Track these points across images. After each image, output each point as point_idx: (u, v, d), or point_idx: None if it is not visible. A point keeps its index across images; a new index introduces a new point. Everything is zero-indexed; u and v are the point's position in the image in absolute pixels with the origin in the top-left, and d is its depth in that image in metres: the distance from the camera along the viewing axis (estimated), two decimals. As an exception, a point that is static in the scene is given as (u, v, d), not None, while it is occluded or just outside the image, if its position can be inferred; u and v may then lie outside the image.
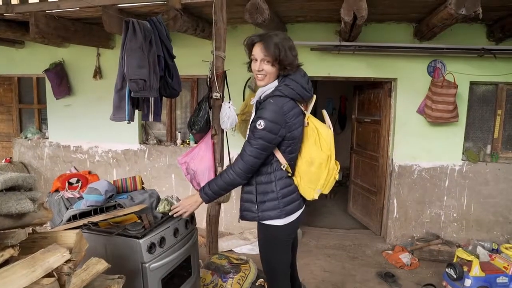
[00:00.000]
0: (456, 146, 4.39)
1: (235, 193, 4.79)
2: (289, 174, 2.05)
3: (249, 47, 2.11)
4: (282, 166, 2.01)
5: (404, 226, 4.56)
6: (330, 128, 2.09)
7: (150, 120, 3.13)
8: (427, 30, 3.86)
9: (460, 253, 3.49)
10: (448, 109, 4.08)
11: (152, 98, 3.07)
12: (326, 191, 2.07)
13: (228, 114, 3.18)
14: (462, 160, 4.42)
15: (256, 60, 2.02)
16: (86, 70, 5.15)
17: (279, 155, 2.00)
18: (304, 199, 2.14)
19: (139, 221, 2.20)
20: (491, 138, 4.51)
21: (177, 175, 5.03)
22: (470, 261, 3.36)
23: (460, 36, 4.19)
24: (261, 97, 2.05)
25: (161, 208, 2.42)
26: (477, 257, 3.57)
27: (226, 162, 3.46)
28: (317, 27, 4.43)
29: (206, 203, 2.19)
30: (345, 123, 8.08)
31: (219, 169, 3.24)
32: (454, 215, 4.49)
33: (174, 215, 2.24)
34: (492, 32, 4.13)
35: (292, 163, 2.06)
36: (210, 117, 3.32)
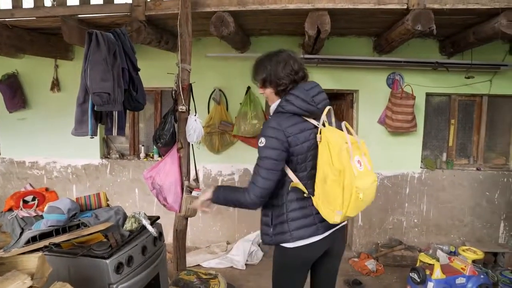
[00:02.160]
0: (415, 154, 4.59)
1: (202, 206, 4.72)
2: (305, 195, 1.88)
3: None
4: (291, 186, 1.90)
5: (369, 233, 4.69)
6: (347, 140, 1.80)
7: (114, 134, 3.03)
8: (386, 44, 4.03)
9: (423, 258, 3.62)
10: (407, 119, 4.27)
11: (116, 112, 2.98)
12: (351, 214, 1.77)
13: (195, 127, 3.16)
14: (421, 168, 4.62)
15: None
16: (43, 82, 4.92)
17: (290, 174, 1.89)
18: (329, 223, 1.88)
19: (105, 240, 2.12)
20: (446, 146, 4.75)
21: (141, 190, 4.89)
22: (432, 265, 3.49)
23: (416, 50, 4.42)
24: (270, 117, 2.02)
25: (128, 225, 2.34)
26: (438, 260, 3.71)
27: (192, 176, 3.42)
28: (281, 40, 4.51)
29: (212, 201, 2.05)
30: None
31: (186, 183, 3.19)
32: (415, 220, 4.67)
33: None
34: (444, 47, 4.38)
35: (309, 183, 1.90)
36: (176, 130, 3.28)
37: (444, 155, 4.73)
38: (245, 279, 3.97)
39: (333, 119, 1.95)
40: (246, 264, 4.27)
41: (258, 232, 4.68)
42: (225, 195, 1.97)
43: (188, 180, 3.29)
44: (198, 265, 4.26)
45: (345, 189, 1.72)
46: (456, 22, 3.70)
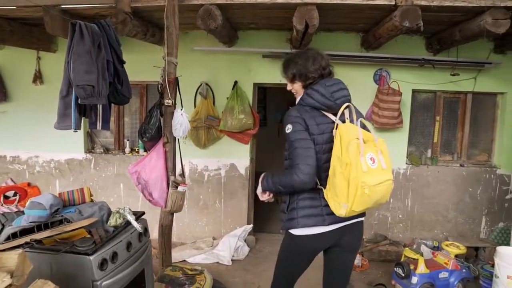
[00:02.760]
0: (401, 150, 4.64)
1: (187, 202, 4.70)
2: (318, 186, 1.97)
3: None
4: None
5: (354, 228, 4.71)
6: (359, 135, 1.87)
7: (98, 128, 2.97)
8: (373, 40, 4.04)
9: (407, 253, 3.66)
10: (393, 115, 4.30)
11: (101, 105, 2.92)
12: (356, 208, 1.82)
13: (181, 121, 3.12)
14: (406, 164, 4.67)
15: None
16: (24, 74, 4.80)
17: None
18: (340, 217, 1.94)
19: (88, 236, 2.07)
20: (431, 142, 4.81)
21: (126, 185, 4.82)
22: (416, 260, 3.54)
23: (402, 47, 4.44)
24: None
25: (112, 221, 2.30)
26: (422, 255, 3.76)
27: (178, 171, 3.38)
28: (269, 35, 4.49)
29: (263, 190, 2.15)
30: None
31: (172, 178, 3.15)
32: (400, 216, 4.72)
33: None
34: (431, 44, 4.42)
35: (323, 175, 1.98)
36: (162, 125, 3.23)
37: (429, 151, 4.79)
38: (231, 274, 3.96)
39: (354, 116, 2.02)
40: (232, 260, 4.26)
41: (244, 227, 4.67)
42: (274, 182, 2.03)
43: (174, 175, 3.25)
44: (184, 260, 4.23)
45: (350, 183, 1.79)
46: (442, 20, 3.73)
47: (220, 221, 4.78)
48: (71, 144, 4.80)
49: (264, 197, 2.17)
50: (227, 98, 4.50)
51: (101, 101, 2.68)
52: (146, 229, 2.55)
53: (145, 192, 3.19)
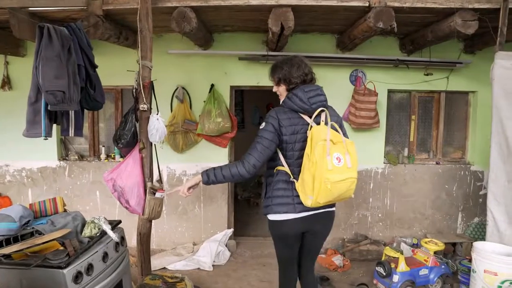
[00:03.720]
0: (378, 150, 4.69)
1: (166, 208, 4.61)
2: (291, 179, 2.26)
3: None
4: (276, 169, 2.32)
5: (335, 229, 4.67)
6: (326, 137, 2.12)
7: (70, 135, 2.87)
8: (348, 41, 4.07)
9: (388, 251, 3.70)
10: (370, 115, 4.34)
11: (73, 111, 2.83)
12: (320, 200, 2.11)
13: (157, 126, 3.05)
14: (384, 163, 4.73)
15: None
16: (-8, 80, 4.61)
17: (281, 159, 2.28)
18: (290, 211, 2.29)
19: (62, 248, 1.98)
20: (407, 141, 4.89)
21: (102, 192, 4.69)
22: (397, 258, 3.57)
23: (377, 48, 4.50)
24: None
25: (87, 231, 2.21)
26: (402, 253, 3.81)
27: (156, 177, 3.31)
28: (245, 37, 4.46)
29: (203, 183, 2.34)
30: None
31: (149, 184, 3.08)
32: (379, 215, 4.77)
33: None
34: (404, 45, 4.49)
35: (296, 170, 2.26)
36: (137, 130, 3.15)
37: (406, 150, 4.86)
38: (213, 280, 3.90)
39: (328, 119, 2.23)
40: (213, 265, 4.19)
41: (225, 232, 4.62)
42: (217, 173, 2.27)
43: (151, 181, 3.18)
44: (164, 268, 4.14)
45: (316, 179, 2.07)
46: (415, 21, 3.79)
47: (200, 226, 4.71)
48: (43, 152, 4.64)
49: (187, 193, 2.42)
50: (204, 101, 4.45)
51: (73, 107, 2.58)
52: (123, 238, 2.48)
53: (121, 199, 3.09)
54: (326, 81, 4.51)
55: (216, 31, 4.44)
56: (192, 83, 4.54)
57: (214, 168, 2.31)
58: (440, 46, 4.28)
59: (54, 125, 2.74)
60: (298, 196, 2.23)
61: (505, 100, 3.22)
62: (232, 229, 4.71)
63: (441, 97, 4.82)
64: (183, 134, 4.48)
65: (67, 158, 4.81)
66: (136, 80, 3.09)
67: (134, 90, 3.15)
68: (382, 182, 4.74)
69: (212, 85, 4.47)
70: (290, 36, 4.18)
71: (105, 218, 2.32)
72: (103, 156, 4.77)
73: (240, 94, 7.85)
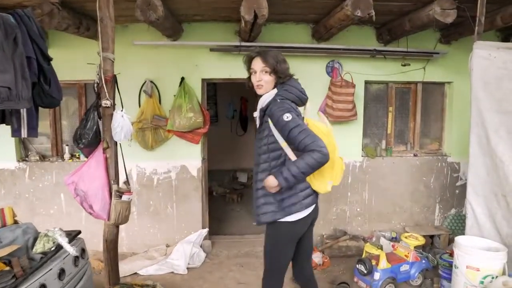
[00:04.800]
0: (356, 143, 4.58)
1: (136, 209, 4.37)
2: None
3: (248, 61, 2.36)
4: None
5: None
6: (327, 124, 2.36)
7: (23, 136, 2.59)
8: (324, 31, 3.91)
9: (368, 248, 3.59)
10: (347, 108, 4.21)
11: (24, 110, 2.54)
12: (337, 182, 2.29)
13: (121, 123, 2.80)
14: (362, 156, 4.62)
15: (255, 72, 2.30)
16: None
17: (289, 152, 2.19)
18: (313, 198, 2.30)
19: (7, 269, 1.73)
20: (385, 133, 4.80)
21: (67, 195, 4.38)
22: (378, 255, 3.48)
23: (353, 38, 4.36)
24: (264, 106, 2.27)
25: (39, 246, 1.97)
26: (382, 248, 3.72)
27: (122, 178, 3.06)
28: (216, 27, 4.23)
29: (283, 189, 2.18)
30: (247, 124, 8.03)
31: (114, 187, 2.83)
32: (358, 209, 4.68)
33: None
34: (381, 35, 4.37)
35: None
36: (100, 128, 2.89)
37: (384, 142, 4.78)
38: (188, 285, 3.70)
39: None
40: (188, 268, 3.98)
41: (199, 232, 4.42)
42: (292, 171, 2.07)
43: (117, 183, 2.93)
44: (135, 273, 3.90)
45: (335, 162, 2.26)
46: (392, 9, 3.67)
47: (173, 227, 4.49)
48: (0, 152, 4.29)
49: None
50: (174, 95, 4.19)
51: (23, 105, 2.29)
52: (83, 250, 2.25)
53: (84, 204, 2.84)
54: (301, 72, 4.27)
55: (186, 21, 4.18)
56: (161, 77, 4.28)
57: (288, 170, 2.10)
58: (416, 36, 4.20)
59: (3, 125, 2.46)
60: (303, 190, 2.22)
61: (483, 91, 3.14)
62: (207, 229, 4.50)
63: (417, 88, 4.75)
64: (153, 131, 4.22)
65: (27, 159, 4.46)
66: (98, 74, 2.83)
67: (95, 85, 2.88)
68: (360, 176, 4.64)
69: (182, 78, 4.22)
70: (264, 25, 3.99)
71: (61, 230, 2.08)
72: (67, 156, 4.46)
73: (213, 87, 7.60)
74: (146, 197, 4.42)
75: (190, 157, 4.38)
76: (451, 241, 4.43)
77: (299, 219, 2.24)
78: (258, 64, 2.28)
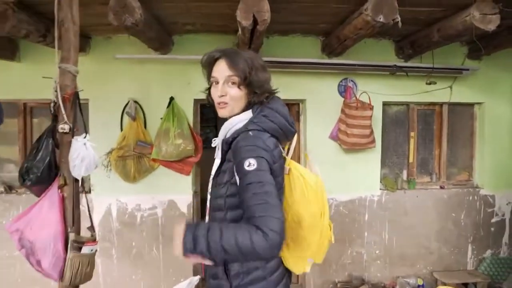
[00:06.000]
0: (373, 174, 3.94)
1: (116, 252, 3.70)
2: None
3: (209, 66, 1.52)
4: None
5: (324, 271, 3.91)
6: (318, 175, 1.56)
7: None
8: (337, 43, 3.34)
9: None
10: (364, 133, 3.59)
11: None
12: (319, 260, 1.60)
13: (83, 154, 2.18)
14: (380, 189, 3.97)
15: (217, 82, 1.48)
16: None
17: None
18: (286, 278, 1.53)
19: None
20: (406, 163, 4.16)
21: (34, 234, 3.73)
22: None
23: (369, 53, 3.80)
24: (227, 135, 1.50)
25: None
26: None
27: (85, 224, 2.41)
28: (211, 40, 3.66)
29: (184, 254, 1.21)
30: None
31: (71, 236, 2.19)
32: (377, 252, 3.99)
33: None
34: (401, 49, 3.80)
35: None
36: (57, 160, 2.28)
37: (405, 173, 4.13)
38: None
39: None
40: (174, 326, 3.28)
41: (190, 279, 3.69)
42: (213, 242, 1.18)
43: (77, 231, 2.29)
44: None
45: (322, 233, 1.52)
46: (419, 17, 3.11)
47: (159, 273, 3.79)
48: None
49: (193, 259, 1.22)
50: (161, 118, 3.59)
51: None
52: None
53: (31, 259, 2.20)
54: (310, 92, 3.78)
55: (177, 32, 3.63)
56: (147, 96, 3.68)
57: (208, 228, 1.23)
58: (440, 51, 3.68)
59: None
60: (272, 271, 1.43)
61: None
62: (198, 276, 3.79)
63: (443, 109, 4.14)
64: (136, 159, 3.60)
65: (-10, 190, 3.84)
66: (55, 91, 2.26)
67: (52, 105, 2.30)
68: (379, 212, 3.96)
69: (172, 98, 3.63)
70: (267, 38, 3.45)
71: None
72: (37, 187, 3.83)
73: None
74: (127, 238, 3.75)
75: (179, 191, 3.73)
76: (490, 289, 3.73)
77: None
78: (221, 70, 1.46)
